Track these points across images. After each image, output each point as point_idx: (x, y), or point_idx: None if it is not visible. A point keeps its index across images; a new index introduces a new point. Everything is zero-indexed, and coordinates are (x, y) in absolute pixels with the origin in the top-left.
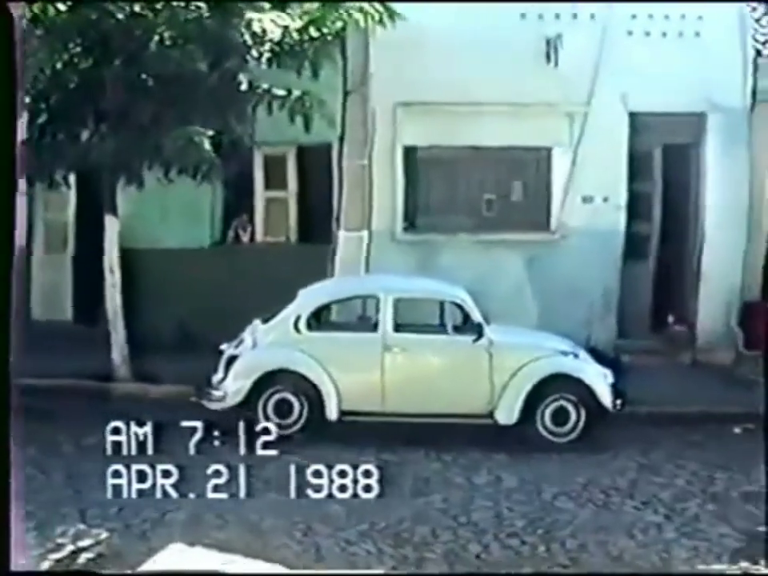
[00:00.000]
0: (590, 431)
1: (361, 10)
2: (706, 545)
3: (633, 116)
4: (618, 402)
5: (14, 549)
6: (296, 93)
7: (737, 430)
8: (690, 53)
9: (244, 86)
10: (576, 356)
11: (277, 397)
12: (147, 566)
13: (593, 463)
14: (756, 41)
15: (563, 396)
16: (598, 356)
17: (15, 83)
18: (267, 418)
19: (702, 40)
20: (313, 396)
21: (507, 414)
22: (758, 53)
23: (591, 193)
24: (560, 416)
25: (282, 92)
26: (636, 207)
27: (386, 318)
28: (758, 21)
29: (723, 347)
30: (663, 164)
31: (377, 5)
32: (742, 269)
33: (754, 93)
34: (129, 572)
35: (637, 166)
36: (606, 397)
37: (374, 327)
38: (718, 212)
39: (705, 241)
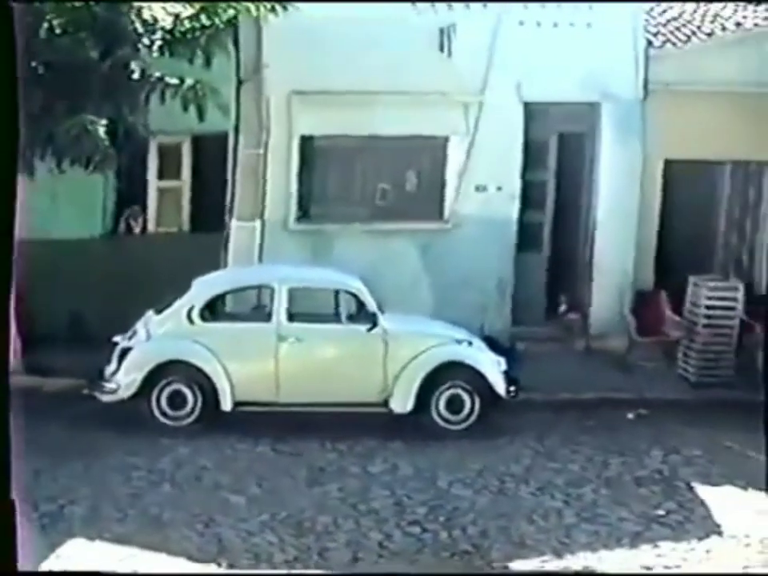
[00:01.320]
0: (484, 418)
1: None
2: (607, 529)
3: (527, 105)
4: (512, 389)
5: (21, 549)
6: (189, 81)
7: (630, 416)
8: (583, 43)
9: (136, 75)
10: (470, 344)
11: (170, 388)
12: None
13: (488, 450)
14: (647, 31)
15: (457, 384)
16: (493, 344)
17: (15, 79)
18: (161, 410)
19: (593, 30)
20: (207, 387)
21: (402, 402)
22: (650, 43)
23: (485, 182)
24: (454, 404)
25: (174, 81)
26: (530, 196)
27: (280, 308)
28: (649, 12)
29: (616, 334)
30: (557, 153)
31: None
32: (634, 257)
33: (645, 83)
34: (129, 572)
35: (531, 156)
36: (499, 384)
37: (268, 317)
38: (610, 200)
39: (597, 229)
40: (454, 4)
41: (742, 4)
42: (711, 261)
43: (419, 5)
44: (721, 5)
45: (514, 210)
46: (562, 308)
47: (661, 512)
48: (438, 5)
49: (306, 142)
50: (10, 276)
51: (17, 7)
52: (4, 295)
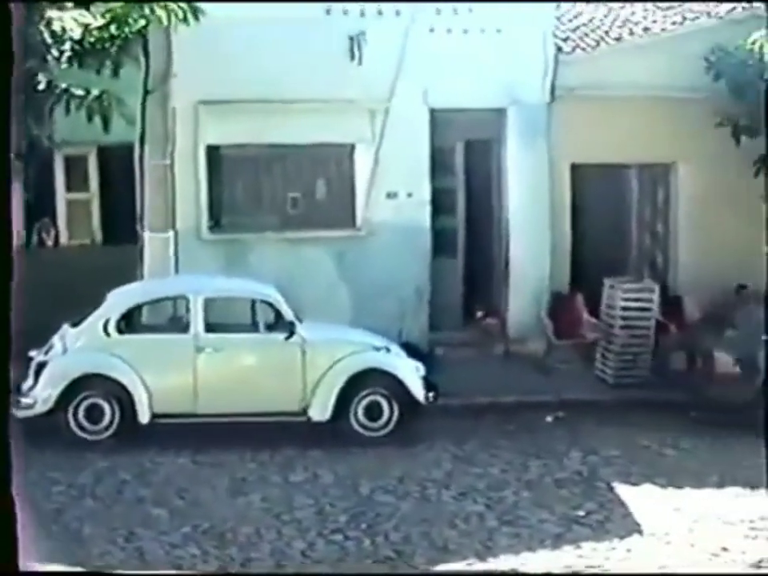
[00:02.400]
0: (403, 424)
1: (165, 7)
2: (528, 531)
3: (433, 112)
4: (431, 394)
5: (22, 549)
6: (95, 92)
7: (549, 418)
8: (493, 49)
9: (42, 86)
10: (388, 351)
11: (87, 402)
12: None
13: (408, 456)
14: (557, 37)
15: (376, 391)
16: (411, 350)
17: (9, 80)
18: (78, 424)
19: (504, 36)
20: (124, 400)
21: (320, 410)
22: (559, 49)
23: (395, 189)
24: (373, 410)
25: (80, 91)
26: (441, 202)
27: (197, 319)
28: (559, 18)
29: (534, 337)
30: (465, 159)
31: (181, 2)
32: (549, 260)
33: (553, 88)
34: (129, 572)
35: (440, 162)
36: (418, 390)
37: (185, 328)
38: (520, 205)
39: (510, 234)
40: (366, 11)
41: (651, 8)
42: (626, 263)
43: (332, 11)
44: (630, 10)
45: (426, 216)
46: (480, 313)
47: (581, 513)
48: (350, 12)
49: (213, 151)
50: (10, 278)
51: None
52: (4, 297)
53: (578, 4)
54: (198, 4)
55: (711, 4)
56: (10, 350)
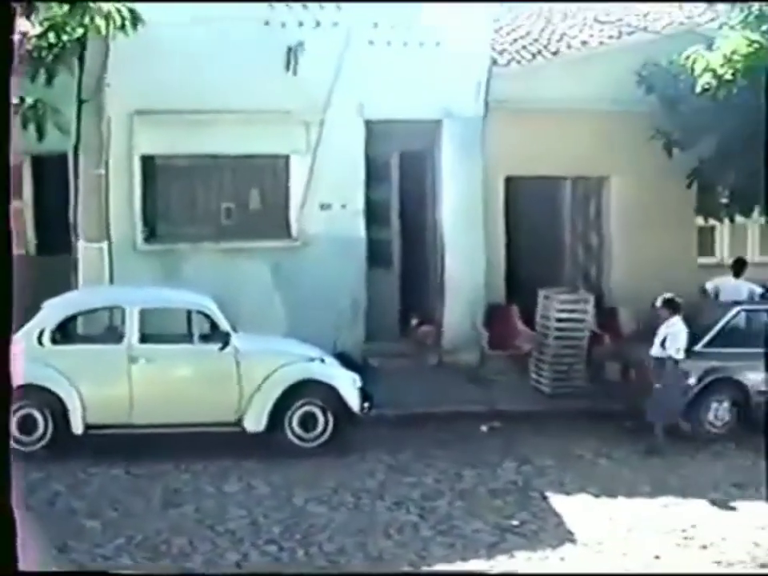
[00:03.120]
0: (338, 435)
1: (105, 15)
2: (462, 541)
3: (368, 123)
4: (366, 405)
5: (21, 549)
6: (29, 101)
7: (483, 428)
8: (430, 62)
9: None
10: (323, 361)
11: (21, 413)
12: None
13: (343, 466)
14: (494, 50)
15: (311, 401)
16: (346, 360)
17: (8, 81)
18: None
19: (442, 49)
20: (58, 410)
21: (255, 421)
22: (495, 62)
23: (329, 200)
24: (308, 421)
25: (14, 100)
26: (376, 213)
27: (132, 330)
28: (497, 30)
29: (469, 348)
30: (400, 170)
31: (123, 10)
32: (484, 271)
33: (487, 101)
34: (129, 572)
35: (375, 173)
36: (353, 400)
37: (120, 339)
38: (455, 216)
39: (445, 245)
40: (305, 22)
41: (588, 22)
42: (560, 274)
43: (270, 22)
44: (568, 24)
45: (360, 227)
46: (415, 323)
47: (515, 522)
48: (288, 23)
49: (148, 161)
50: (10, 279)
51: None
52: (4, 297)
53: (517, 17)
54: (138, 12)
55: (648, 18)
56: (10, 350)
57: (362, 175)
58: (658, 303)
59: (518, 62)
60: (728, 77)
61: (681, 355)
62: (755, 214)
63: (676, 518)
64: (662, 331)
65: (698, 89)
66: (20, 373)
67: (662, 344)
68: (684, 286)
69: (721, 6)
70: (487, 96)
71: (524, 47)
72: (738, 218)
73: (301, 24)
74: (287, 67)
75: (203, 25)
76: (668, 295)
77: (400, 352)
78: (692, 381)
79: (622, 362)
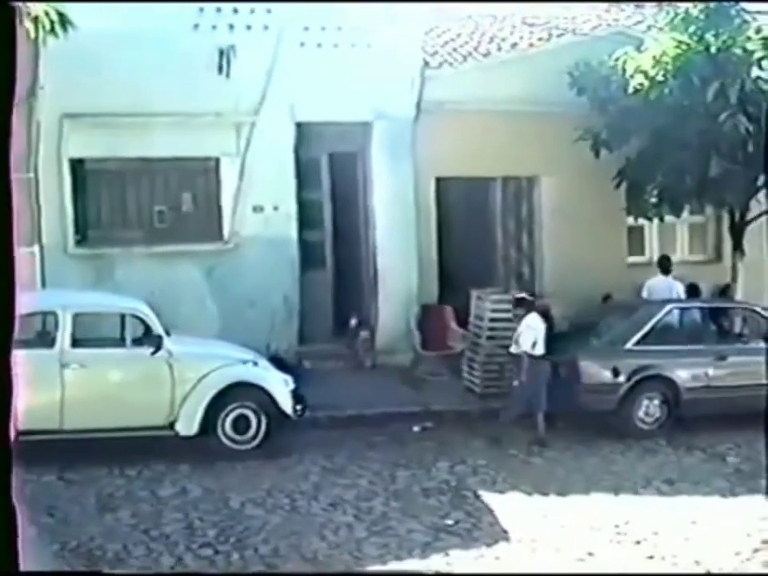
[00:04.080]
0: (272, 438)
1: (34, 19)
2: (397, 541)
3: (299, 126)
4: (299, 407)
5: (22, 549)
6: None
7: (416, 429)
8: (361, 64)
9: None
10: (256, 364)
11: None
12: None
13: (277, 469)
14: (425, 52)
15: (243, 404)
16: (280, 363)
17: (13, 80)
18: None
19: (373, 51)
20: None
21: (187, 424)
22: (426, 64)
23: (261, 202)
24: (241, 424)
25: None
26: (308, 215)
27: (64, 334)
28: (428, 32)
29: (403, 349)
30: (332, 172)
31: (51, 12)
32: (416, 272)
33: (419, 102)
34: (129, 572)
35: (306, 175)
36: (286, 403)
37: (52, 343)
38: (387, 217)
39: (378, 246)
40: (236, 25)
41: (518, 25)
42: (493, 274)
43: (201, 25)
44: (498, 26)
45: (292, 229)
46: (349, 325)
47: (449, 521)
48: (219, 26)
49: (78, 165)
50: (12, 277)
51: None
52: (5, 297)
53: (448, 20)
54: (67, 15)
55: (578, 21)
56: (11, 350)
57: (293, 177)
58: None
59: (450, 64)
60: (659, 78)
61: (538, 351)
62: (684, 213)
63: (609, 514)
64: (519, 329)
65: (631, 89)
66: None
67: (517, 341)
68: (614, 285)
69: (648, 9)
70: (419, 98)
71: (455, 49)
72: (668, 217)
73: (231, 27)
74: (219, 70)
75: (134, 27)
76: (520, 294)
77: (334, 353)
78: (622, 378)
79: (553, 361)
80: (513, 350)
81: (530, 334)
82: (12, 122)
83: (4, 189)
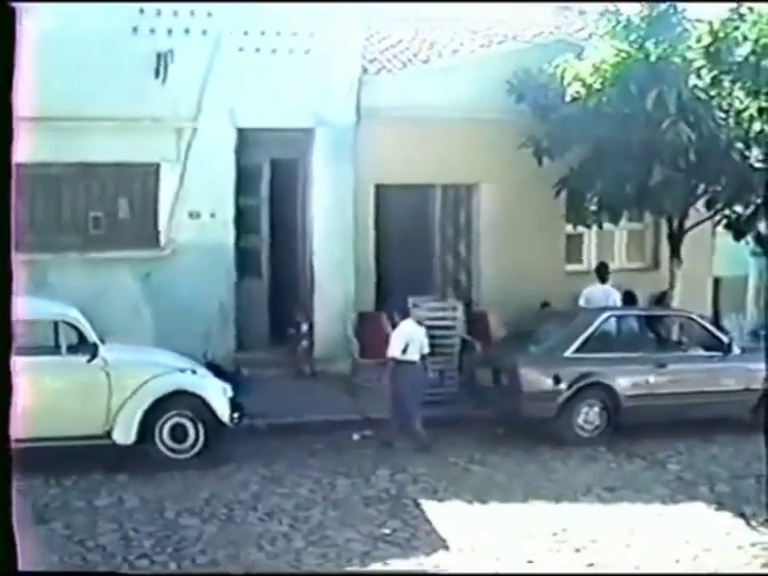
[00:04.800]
0: (210, 446)
1: None
2: (335, 551)
3: (241, 132)
4: (237, 415)
5: (20, 548)
6: None
7: (356, 437)
8: (300, 69)
9: None
10: (194, 372)
11: None
12: None
13: (215, 478)
14: (364, 58)
15: (181, 413)
16: (218, 370)
17: (12, 82)
18: None
19: (312, 57)
20: None
21: (124, 433)
22: (365, 70)
23: (198, 208)
24: (178, 433)
25: None
26: (245, 222)
27: None
28: (368, 39)
29: (341, 357)
30: (271, 179)
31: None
32: (354, 280)
33: (358, 109)
34: (129, 572)
35: (246, 181)
36: (223, 411)
37: None
38: (325, 224)
39: (315, 253)
40: (174, 30)
41: (459, 31)
42: (430, 281)
43: (139, 29)
44: (438, 33)
45: (229, 235)
46: (287, 332)
47: (387, 530)
48: (157, 30)
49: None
50: (11, 276)
51: None
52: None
53: (387, 25)
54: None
55: (518, 28)
56: (11, 350)
57: (232, 183)
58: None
59: (389, 70)
60: (597, 86)
61: (410, 356)
62: (622, 220)
63: (549, 521)
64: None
65: (568, 98)
66: None
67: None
68: (552, 293)
69: (590, 16)
70: (359, 104)
71: (394, 56)
72: (607, 225)
73: (170, 31)
74: (157, 74)
75: (71, 30)
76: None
77: (272, 361)
78: (563, 386)
79: (492, 368)
80: (391, 355)
81: (401, 339)
82: (15, 125)
83: (4, 189)
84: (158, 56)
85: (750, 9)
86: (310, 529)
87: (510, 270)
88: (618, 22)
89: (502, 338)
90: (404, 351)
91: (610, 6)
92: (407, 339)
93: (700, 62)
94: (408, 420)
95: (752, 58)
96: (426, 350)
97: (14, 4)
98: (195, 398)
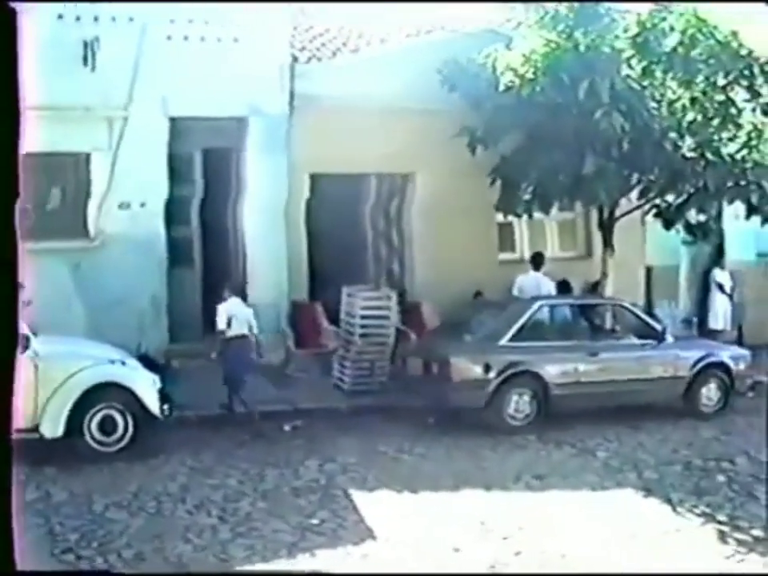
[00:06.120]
0: (139, 439)
1: None
2: (262, 542)
3: (173, 121)
4: (166, 407)
5: (18, 548)
6: None
7: (286, 428)
8: (231, 58)
9: None
10: (124, 363)
11: None
12: None
13: (144, 470)
14: (294, 47)
15: (110, 405)
16: (149, 362)
17: (16, 83)
18: None
19: (241, 45)
20: None
21: (52, 426)
22: (295, 59)
23: (128, 198)
24: (107, 425)
25: None
26: (177, 212)
27: None
28: (295, 27)
29: (274, 347)
30: (203, 168)
31: None
32: (287, 269)
33: (291, 98)
34: (129, 572)
35: (177, 171)
36: (153, 403)
37: None
38: (258, 214)
39: (247, 243)
40: (100, 17)
41: (388, 20)
42: (364, 271)
43: (65, 16)
44: (367, 22)
45: (160, 226)
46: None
47: (316, 521)
48: (83, 17)
49: None
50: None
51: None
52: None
53: (314, 15)
54: None
55: (447, 17)
56: (15, 353)
57: (164, 173)
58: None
59: (319, 59)
60: (529, 75)
61: (234, 331)
62: (553, 210)
63: (477, 510)
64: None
65: (501, 87)
66: None
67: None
68: (486, 282)
69: (519, 6)
70: (291, 93)
71: (323, 44)
72: (538, 214)
73: (96, 18)
74: (85, 62)
75: None
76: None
77: (205, 352)
78: (492, 375)
79: (424, 357)
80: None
81: (223, 314)
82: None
83: (9, 188)
84: (85, 44)
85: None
86: (238, 520)
87: (444, 259)
88: (546, 13)
89: (436, 327)
90: (229, 326)
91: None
92: (229, 314)
93: (629, 52)
94: (236, 393)
95: (680, 49)
96: (255, 329)
97: (14, 4)
98: (125, 390)
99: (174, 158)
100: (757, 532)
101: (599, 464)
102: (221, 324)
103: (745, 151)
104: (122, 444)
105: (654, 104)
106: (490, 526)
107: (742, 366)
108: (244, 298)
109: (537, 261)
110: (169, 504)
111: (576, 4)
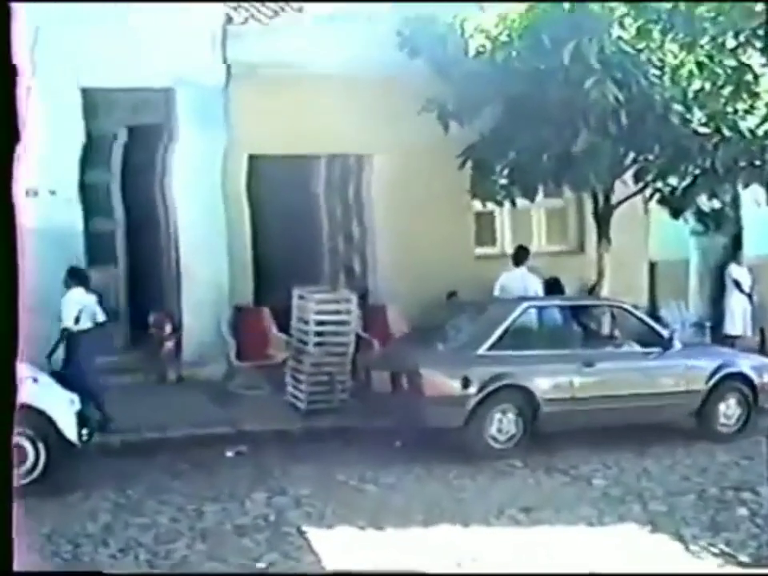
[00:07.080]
0: (54, 469)
1: None
2: None
3: (86, 92)
4: (85, 431)
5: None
6: None
7: (229, 454)
8: (153, 18)
9: None
10: (35, 381)
11: None
12: None
13: (59, 508)
14: (227, 4)
15: (18, 430)
16: (64, 379)
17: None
18: None
19: (165, 7)
20: None
21: None
22: (229, 19)
23: (35, 185)
24: (15, 455)
25: None
26: (95, 201)
27: None
28: None
29: (214, 359)
30: (125, 149)
31: None
32: (227, 267)
33: (228, 66)
34: (129, 572)
35: (95, 152)
36: (70, 428)
37: None
38: (192, 203)
39: (180, 237)
40: None
41: None
42: (319, 269)
43: None
44: None
45: (76, 217)
46: (150, 331)
47: (263, 564)
48: None
49: None
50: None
51: None
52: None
53: None
54: None
55: None
56: (16, 354)
57: (77, 154)
58: None
59: (257, 19)
60: (503, 38)
61: (82, 325)
62: (539, 196)
63: (453, 549)
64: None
65: (472, 52)
66: None
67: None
68: (461, 280)
69: None
70: (225, 60)
71: (262, 2)
72: (522, 202)
73: None
74: None
75: None
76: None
77: (131, 366)
78: (472, 390)
79: (391, 370)
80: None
81: (73, 308)
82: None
83: (8, 186)
84: None
85: None
86: (171, 565)
87: (411, 255)
88: None
89: (403, 334)
90: (77, 321)
91: None
92: (80, 307)
93: (622, 11)
94: (94, 400)
95: (682, 6)
96: (102, 318)
97: (13, 4)
98: (35, 412)
99: (92, 137)
100: None
101: (597, 494)
102: (69, 319)
103: (767, 125)
104: (33, 476)
105: (655, 71)
106: (468, 568)
107: (766, 379)
108: (87, 285)
109: (519, 256)
110: (88, 547)
111: None
